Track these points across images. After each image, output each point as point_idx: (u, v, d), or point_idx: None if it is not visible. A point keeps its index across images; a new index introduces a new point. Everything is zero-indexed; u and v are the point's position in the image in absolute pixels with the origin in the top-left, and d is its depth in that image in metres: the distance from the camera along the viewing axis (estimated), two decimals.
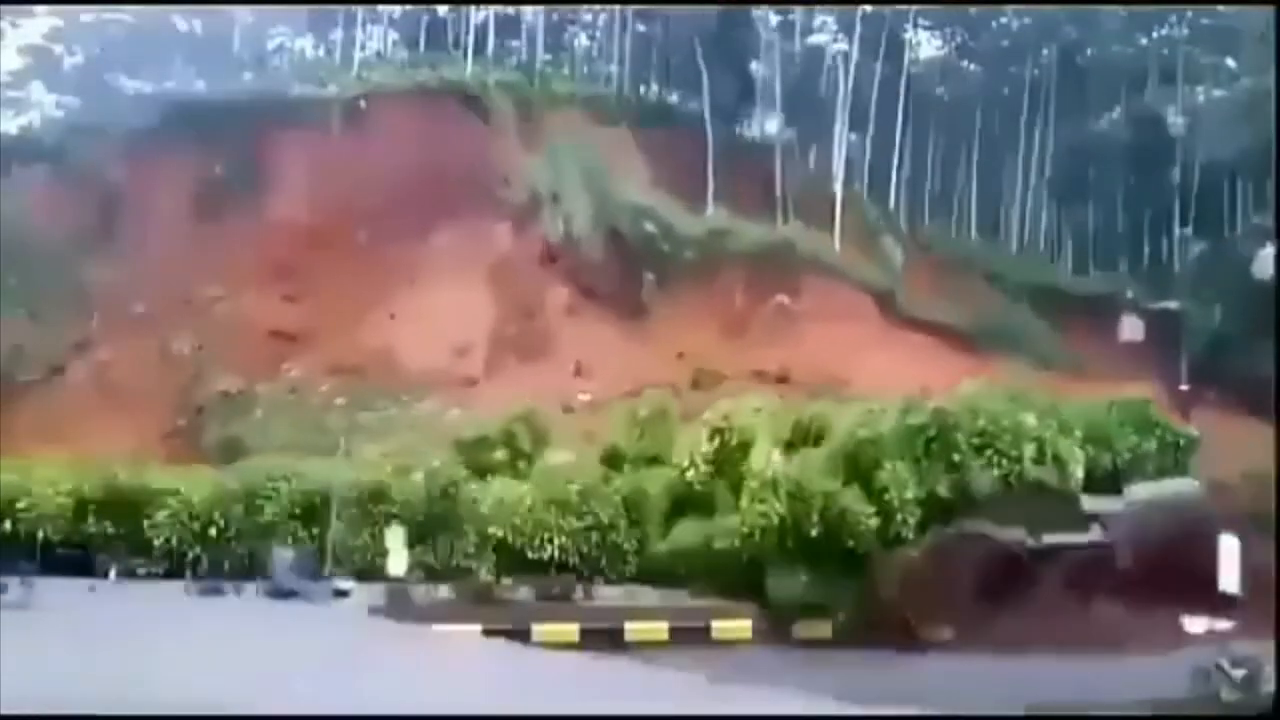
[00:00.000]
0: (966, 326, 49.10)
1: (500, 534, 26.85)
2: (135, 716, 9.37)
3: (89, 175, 54.61)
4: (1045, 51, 63.06)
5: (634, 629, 22.09)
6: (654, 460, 29.26)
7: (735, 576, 24.44)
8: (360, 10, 66.27)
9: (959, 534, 23.90)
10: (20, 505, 26.96)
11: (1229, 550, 18.40)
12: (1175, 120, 61.91)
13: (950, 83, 67.03)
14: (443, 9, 66.56)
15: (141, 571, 27.43)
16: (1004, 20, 65.53)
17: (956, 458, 25.09)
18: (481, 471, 28.89)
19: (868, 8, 59.42)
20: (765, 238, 51.27)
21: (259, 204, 50.85)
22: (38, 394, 44.89)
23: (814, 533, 24.01)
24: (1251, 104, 50.22)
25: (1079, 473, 25.75)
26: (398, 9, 68.53)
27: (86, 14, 73.30)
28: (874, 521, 24.24)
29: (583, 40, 71.15)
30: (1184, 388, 33.98)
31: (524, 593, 24.03)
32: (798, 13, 63.31)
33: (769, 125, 63.27)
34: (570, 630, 21.57)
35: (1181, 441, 28.08)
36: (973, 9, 64.35)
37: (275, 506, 27.43)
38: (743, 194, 53.29)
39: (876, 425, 25.99)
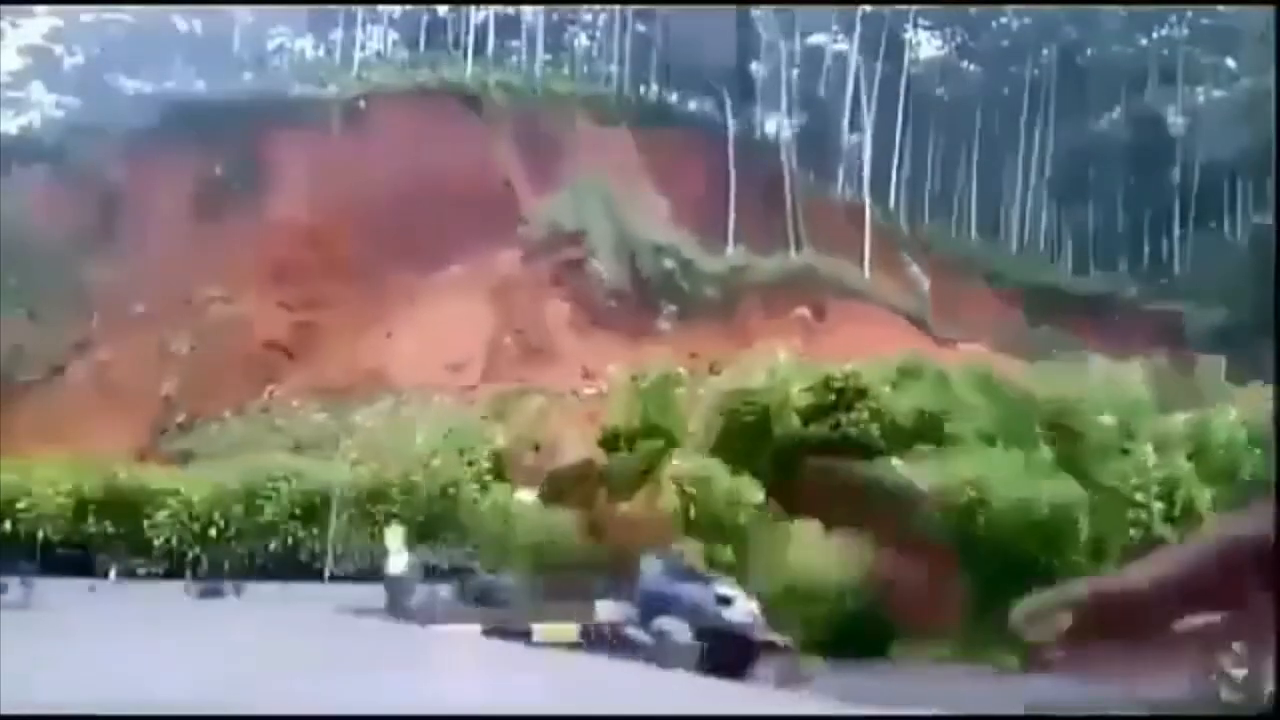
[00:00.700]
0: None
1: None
2: (135, 716, 9.38)
3: (89, 175, 54.63)
4: (1045, 51, 63.08)
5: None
6: (654, 434, 26.01)
7: None
8: (360, 10, 66.32)
9: None
10: (20, 505, 26.97)
11: None
12: (1175, 120, 62.00)
13: (950, 83, 67.07)
14: (443, 9, 66.66)
15: (141, 571, 27.47)
16: (1004, 20, 65.57)
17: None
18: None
19: (868, 8, 59.49)
20: (785, 266, 50.49)
21: (258, 204, 50.85)
22: (38, 394, 44.93)
23: None
24: (1252, 104, 50.24)
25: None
26: (398, 9, 68.61)
27: (86, 14, 73.38)
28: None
29: (583, 40, 71.18)
30: None
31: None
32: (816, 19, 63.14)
33: (783, 133, 62.65)
34: (570, 630, 21.50)
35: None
36: (972, 9, 64.41)
37: (275, 506, 27.50)
38: (757, 220, 52.83)
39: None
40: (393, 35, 70.02)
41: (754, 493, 22.08)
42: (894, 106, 58.51)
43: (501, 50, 63.80)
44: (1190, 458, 21.52)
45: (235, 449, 33.64)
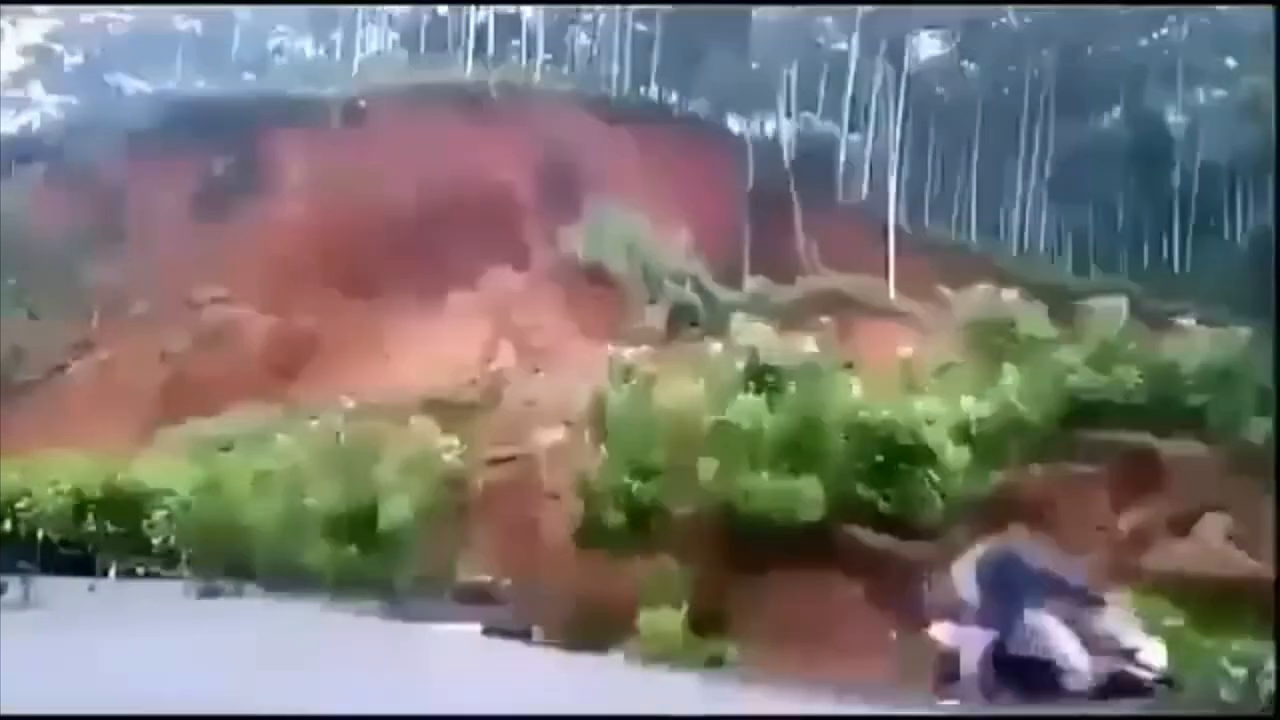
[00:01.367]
0: None
1: None
2: (135, 716, 9.38)
3: (88, 175, 54.59)
4: (1045, 52, 62.96)
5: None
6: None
7: None
8: (360, 10, 66.29)
9: None
10: (20, 505, 27.02)
11: None
12: (1175, 120, 61.92)
13: (950, 83, 66.95)
14: (443, 9, 66.65)
15: (140, 570, 27.49)
16: (1004, 20, 65.43)
17: None
18: None
19: (868, 8, 59.43)
20: (806, 290, 48.85)
21: (258, 204, 50.82)
22: (38, 393, 44.91)
23: None
24: (1252, 104, 50.17)
25: None
26: (397, 9, 68.59)
27: (86, 14, 73.31)
28: None
29: (582, 40, 71.12)
30: None
31: None
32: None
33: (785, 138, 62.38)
34: None
35: None
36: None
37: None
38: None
39: None
40: (393, 35, 70.00)
41: None
42: (893, 107, 58.50)
43: (501, 50, 63.74)
44: None
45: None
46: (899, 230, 55.15)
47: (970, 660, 14.20)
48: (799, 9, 61.57)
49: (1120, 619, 14.66)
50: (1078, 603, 14.66)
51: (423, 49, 64.05)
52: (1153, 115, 61.45)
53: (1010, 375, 20.56)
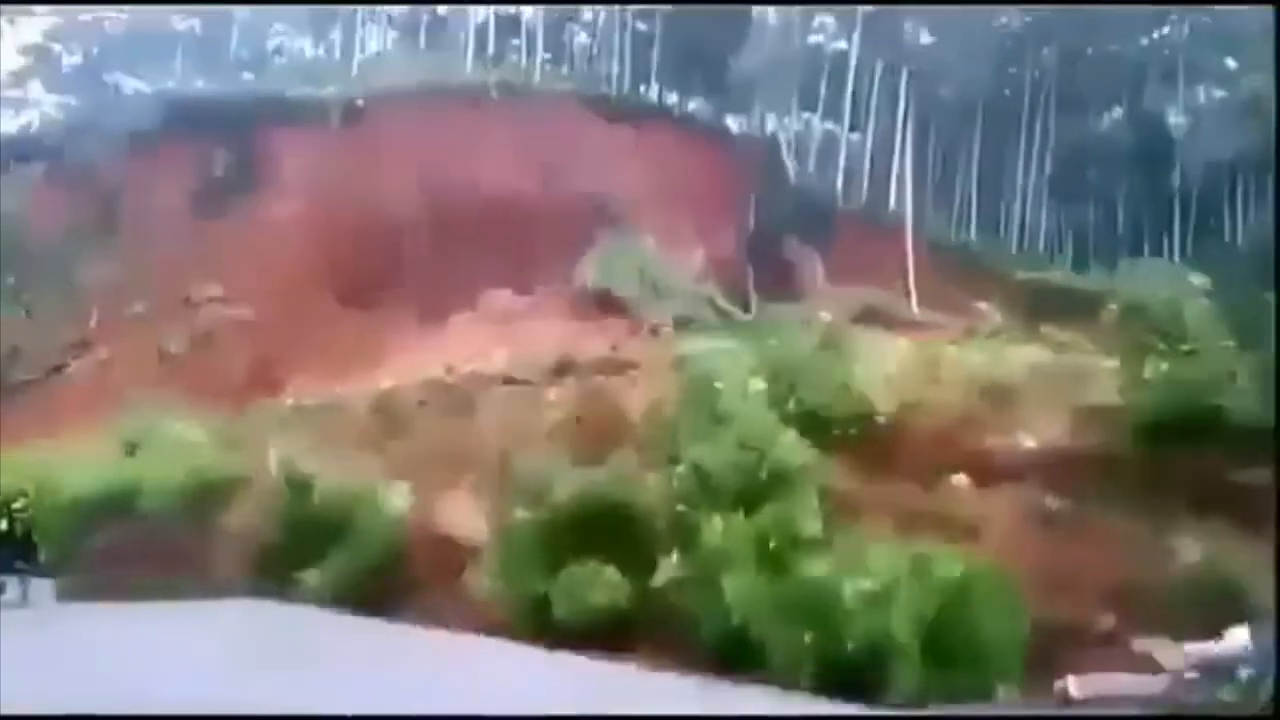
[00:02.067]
0: None
1: None
2: (135, 716, 9.34)
3: (87, 174, 54.57)
4: (1045, 51, 62.97)
5: None
6: None
7: None
8: (360, 10, 66.25)
9: None
10: (17, 505, 26.91)
11: None
12: (1176, 120, 61.91)
13: (950, 82, 66.93)
14: (443, 9, 66.62)
15: None
16: (1004, 20, 65.42)
17: None
18: None
19: (869, 8, 59.41)
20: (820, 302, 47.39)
21: (257, 204, 50.79)
22: (37, 393, 44.86)
23: None
24: (1252, 104, 50.14)
25: None
26: (397, 9, 68.54)
27: (84, 13, 73.28)
28: None
29: (582, 39, 71.14)
30: None
31: None
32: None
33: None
34: None
35: None
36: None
37: None
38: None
39: None
40: (392, 34, 69.96)
41: None
42: (893, 107, 58.49)
43: (501, 50, 63.73)
44: None
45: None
46: (897, 229, 55.06)
47: None
48: (799, 9, 61.66)
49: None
50: None
51: (422, 48, 64.03)
52: (1153, 115, 61.46)
53: None
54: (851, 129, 61.51)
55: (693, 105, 66.02)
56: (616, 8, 64.14)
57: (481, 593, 18.86)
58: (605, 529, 17.79)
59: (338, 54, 65.61)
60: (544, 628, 17.39)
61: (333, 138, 52.06)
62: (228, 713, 10.02)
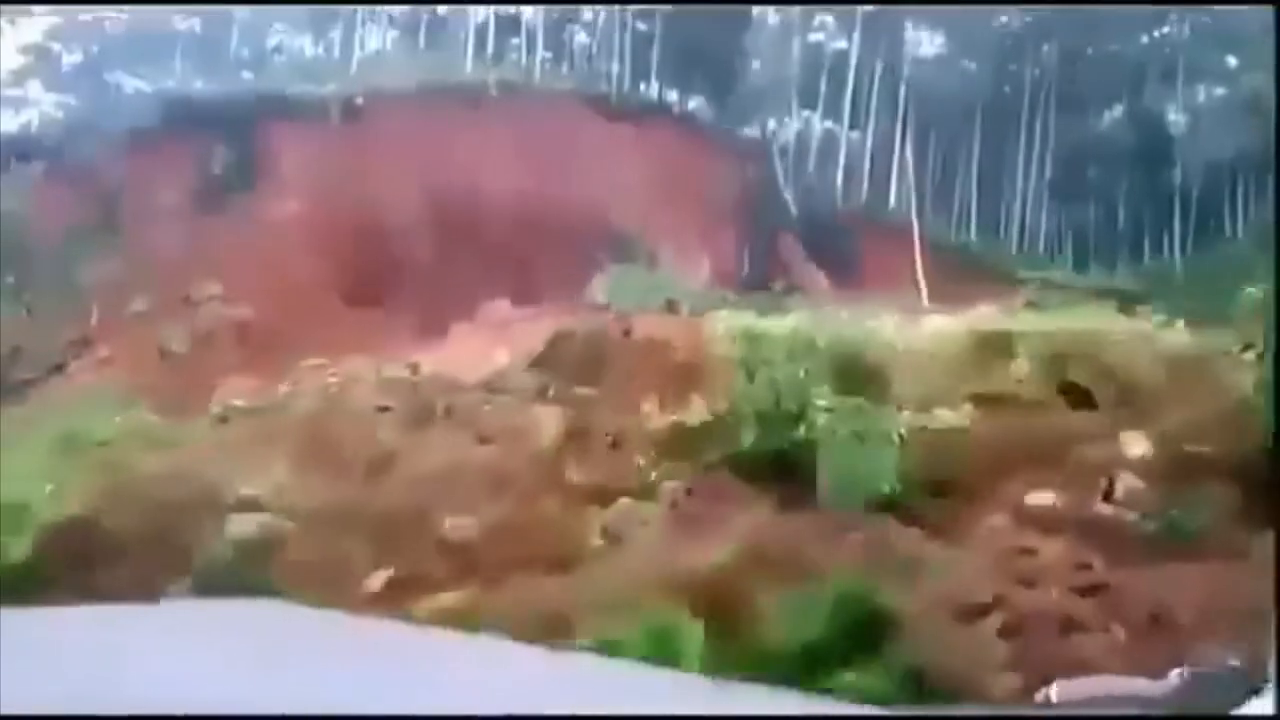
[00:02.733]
0: None
1: None
2: (135, 716, 9.34)
3: (87, 173, 54.54)
4: (1045, 50, 62.98)
5: None
6: None
7: None
8: (360, 9, 66.23)
9: None
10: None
11: None
12: (1176, 119, 61.97)
13: (950, 82, 66.97)
14: (443, 8, 66.59)
15: None
16: (1004, 20, 65.45)
17: None
18: None
19: (869, 7, 59.44)
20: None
21: (256, 201, 50.75)
22: (36, 392, 44.79)
23: None
24: (1252, 103, 50.19)
25: None
26: (397, 8, 68.51)
27: (85, 13, 73.28)
28: None
29: (582, 38, 71.15)
30: None
31: None
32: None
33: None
34: None
35: None
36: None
37: None
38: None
39: None
40: (392, 33, 69.94)
41: None
42: (920, 112, 58.51)
43: (501, 50, 63.72)
44: None
45: None
46: (897, 230, 55.03)
47: None
48: (798, 8, 61.67)
49: None
50: None
51: (422, 47, 64.00)
52: (1153, 114, 61.52)
53: None
54: (851, 128, 61.50)
55: (693, 104, 65.99)
56: (616, 8, 64.12)
57: None
58: None
59: (337, 52, 65.58)
60: None
61: (332, 135, 52.03)
62: (228, 713, 10.00)
